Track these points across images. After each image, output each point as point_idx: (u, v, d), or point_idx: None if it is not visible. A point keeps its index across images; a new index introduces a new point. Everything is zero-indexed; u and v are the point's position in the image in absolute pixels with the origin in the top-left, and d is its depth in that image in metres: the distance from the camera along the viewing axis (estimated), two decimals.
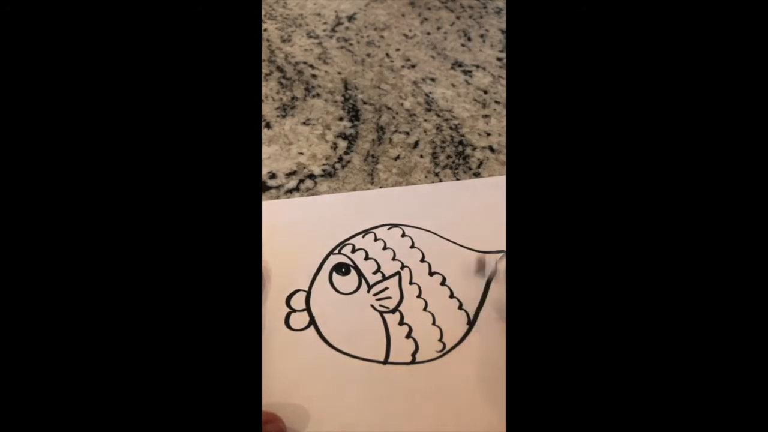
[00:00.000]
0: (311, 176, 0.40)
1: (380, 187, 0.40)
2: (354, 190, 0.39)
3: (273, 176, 0.40)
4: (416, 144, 0.44)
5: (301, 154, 0.42)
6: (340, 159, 0.42)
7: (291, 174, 0.40)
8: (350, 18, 0.62)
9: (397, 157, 0.43)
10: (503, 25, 0.63)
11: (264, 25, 0.59)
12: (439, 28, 0.61)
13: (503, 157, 0.43)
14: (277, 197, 0.38)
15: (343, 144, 0.43)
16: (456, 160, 0.43)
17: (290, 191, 0.39)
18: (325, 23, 0.60)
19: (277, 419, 0.25)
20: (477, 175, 0.41)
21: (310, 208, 0.38)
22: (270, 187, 0.39)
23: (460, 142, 0.44)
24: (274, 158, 0.41)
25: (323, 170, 0.41)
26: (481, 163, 0.43)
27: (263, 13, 0.61)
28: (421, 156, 0.43)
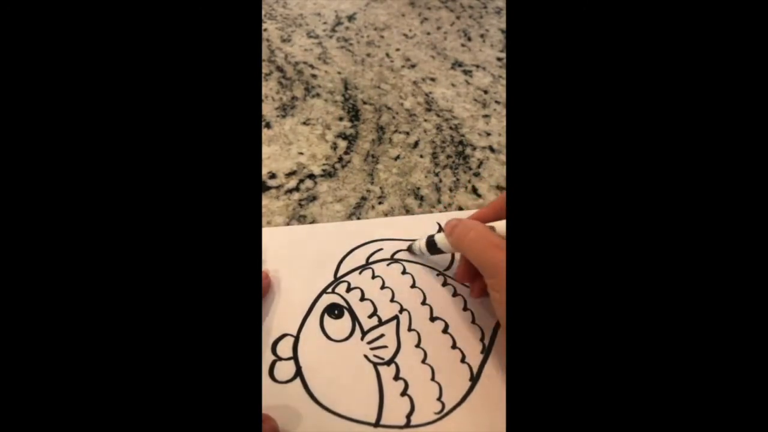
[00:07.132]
0: (311, 176, 0.40)
1: (380, 188, 0.40)
2: (354, 190, 0.39)
3: (273, 176, 0.40)
4: (416, 144, 0.44)
5: (301, 154, 0.42)
6: (340, 159, 0.42)
7: (291, 174, 0.40)
8: (350, 18, 0.62)
9: (397, 157, 0.42)
10: (503, 25, 0.63)
11: (264, 25, 0.59)
12: (439, 28, 0.61)
13: (503, 157, 0.43)
14: (277, 197, 0.38)
15: (343, 144, 0.43)
16: (456, 160, 0.43)
17: (290, 191, 0.39)
18: (325, 23, 0.60)
19: (268, 418, 0.25)
20: (477, 175, 0.41)
21: (304, 237, 0.35)
22: (270, 187, 0.39)
23: (460, 142, 0.44)
24: (274, 158, 0.41)
25: (323, 170, 0.41)
26: (481, 163, 0.43)
27: (263, 13, 0.61)
28: (421, 156, 0.43)
